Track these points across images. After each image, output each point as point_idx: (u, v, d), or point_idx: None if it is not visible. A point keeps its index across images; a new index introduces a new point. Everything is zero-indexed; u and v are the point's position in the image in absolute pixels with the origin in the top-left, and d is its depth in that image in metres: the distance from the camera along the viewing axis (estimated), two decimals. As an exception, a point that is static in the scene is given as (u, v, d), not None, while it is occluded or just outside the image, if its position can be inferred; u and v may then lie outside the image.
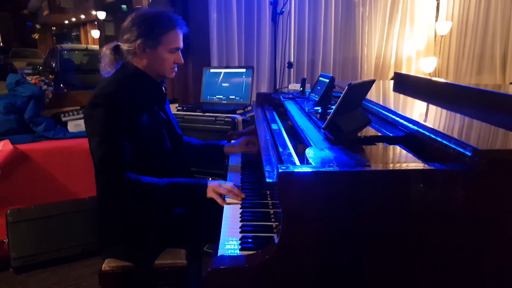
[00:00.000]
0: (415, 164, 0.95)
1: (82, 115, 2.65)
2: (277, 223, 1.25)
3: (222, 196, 1.44)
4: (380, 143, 1.21)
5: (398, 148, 1.10)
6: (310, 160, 1.00)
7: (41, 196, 2.47)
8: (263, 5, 3.47)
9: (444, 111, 1.54)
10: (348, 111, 1.33)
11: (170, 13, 1.54)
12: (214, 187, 1.46)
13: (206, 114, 2.61)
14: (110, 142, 1.39)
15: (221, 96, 2.89)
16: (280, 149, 1.30)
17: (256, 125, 1.72)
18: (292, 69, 3.58)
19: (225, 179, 1.70)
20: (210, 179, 1.79)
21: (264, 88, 3.57)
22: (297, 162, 1.20)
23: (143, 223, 1.52)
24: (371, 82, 1.41)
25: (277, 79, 2.50)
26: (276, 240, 0.92)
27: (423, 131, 1.12)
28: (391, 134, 1.26)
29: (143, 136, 1.49)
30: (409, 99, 1.83)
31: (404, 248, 0.93)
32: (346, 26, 4.02)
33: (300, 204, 0.91)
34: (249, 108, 2.75)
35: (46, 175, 2.47)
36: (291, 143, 1.42)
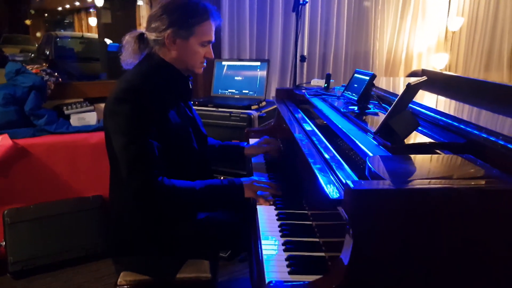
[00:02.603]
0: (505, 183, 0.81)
1: (86, 108, 2.48)
2: (323, 239, 1.12)
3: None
4: (438, 151, 1.08)
5: (470, 159, 0.97)
6: (379, 173, 0.86)
7: (42, 195, 2.29)
8: (276, -4, 3.31)
9: (493, 114, 1.41)
10: (398, 112, 1.20)
11: (205, 1, 1.39)
12: (250, 185, 1.35)
13: (220, 109, 2.45)
14: (140, 142, 1.25)
15: (234, 90, 2.73)
16: (326, 156, 1.15)
17: (288, 124, 1.58)
18: (304, 63, 3.42)
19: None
20: (221, 177, 1.65)
21: (275, 82, 3.41)
22: (350, 172, 1.06)
23: (164, 232, 1.38)
24: (424, 82, 1.27)
25: (296, 73, 2.34)
26: (346, 262, 0.78)
27: (494, 140, 1.00)
28: (445, 140, 1.14)
29: (170, 135, 1.34)
30: (446, 99, 1.70)
31: (490, 277, 0.81)
32: (359, 20, 3.87)
33: (377, 225, 0.78)
34: (264, 103, 2.60)
35: (48, 172, 2.29)
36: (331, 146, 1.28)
